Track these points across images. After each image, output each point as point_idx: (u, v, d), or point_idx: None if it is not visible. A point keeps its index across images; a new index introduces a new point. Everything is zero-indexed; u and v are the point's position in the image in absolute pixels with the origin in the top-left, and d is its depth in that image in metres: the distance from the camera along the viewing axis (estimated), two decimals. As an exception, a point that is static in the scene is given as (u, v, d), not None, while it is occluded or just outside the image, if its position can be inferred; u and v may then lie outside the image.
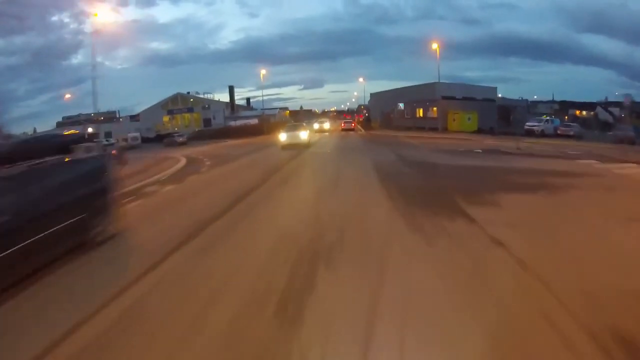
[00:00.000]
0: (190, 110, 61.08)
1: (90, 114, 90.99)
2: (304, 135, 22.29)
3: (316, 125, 45.29)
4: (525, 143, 20.98)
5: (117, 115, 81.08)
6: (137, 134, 51.22)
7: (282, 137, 21.96)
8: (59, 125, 75.05)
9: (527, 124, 33.23)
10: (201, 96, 63.34)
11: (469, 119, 36.13)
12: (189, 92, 63.24)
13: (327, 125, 46.40)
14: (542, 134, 30.09)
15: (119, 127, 62.52)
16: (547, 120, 34.03)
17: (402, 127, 41.85)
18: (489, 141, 23.71)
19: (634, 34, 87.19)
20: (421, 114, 41.59)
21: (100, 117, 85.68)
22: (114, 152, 24.60)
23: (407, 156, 15.06)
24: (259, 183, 10.21)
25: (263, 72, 50.19)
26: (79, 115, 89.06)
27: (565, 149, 18.50)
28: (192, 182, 11.76)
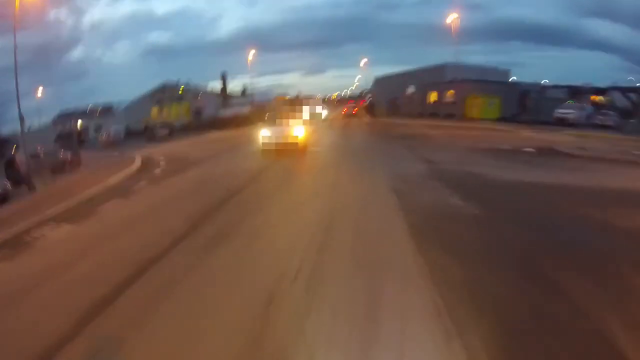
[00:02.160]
0: (179, 100, 56.43)
1: (87, 107, 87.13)
2: (298, 131, 14.45)
3: (307, 114, 37.94)
4: (570, 136, 16.44)
5: (113, 108, 77.57)
6: (119, 127, 46.86)
7: (264, 133, 14.38)
8: (55, 121, 72.14)
9: (559, 110, 28.16)
10: (192, 85, 58.66)
11: (490, 104, 31.20)
12: (178, 81, 58.50)
13: (323, 112, 39.46)
14: (573, 124, 25.09)
15: (114, 120, 58.40)
16: (580, 107, 28.92)
17: (411, 114, 37.06)
18: (526, 133, 18.98)
19: (638, 19, 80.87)
20: (434, 99, 36.71)
21: (97, 110, 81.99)
22: (61, 154, 20.67)
23: (439, 163, 10.47)
24: (175, 241, 5.55)
25: (251, 54, 44.95)
26: (75, 110, 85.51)
27: (627, 147, 13.53)
28: (88, 228, 7.24)
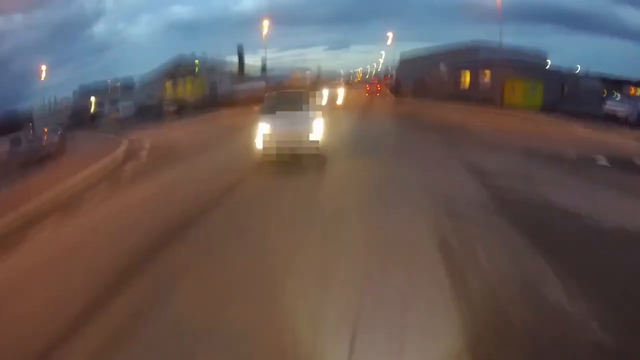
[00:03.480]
0: (193, 75, 53.99)
1: (107, 82, 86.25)
2: (313, 126, 9.29)
3: (326, 93, 32.23)
4: (634, 139, 13.19)
5: (134, 83, 76.46)
6: (129, 104, 44.98)
7: (262, 131, 9.24)
8: (75, 95, 71.67)
9: (609, 104, 24.13)
10: (208, 59, 55.99)
11: (532, 90, 27.47)
12: (193, 55, 55.88)
13: (340, 92, 34.96)
14: (625, 120, 21.23)
15: (133, 95, 56.77)
16: (632, 102, 24.60)
17: (441, 96, 33.61)
18: (580, 130, 15.67)
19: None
20: (468, 81, 33.08)
21: (117, 84, 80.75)
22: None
23: (495, 177, 7.57)
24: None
25: (266, 26, 41.50)
26: (95, 84, 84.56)
27: None
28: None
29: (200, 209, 6.52)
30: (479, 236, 4.78)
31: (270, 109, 10.08)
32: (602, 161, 9.48)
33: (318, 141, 9.19)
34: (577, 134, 14.60)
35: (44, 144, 17.31)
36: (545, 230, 4.94)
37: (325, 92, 32.04)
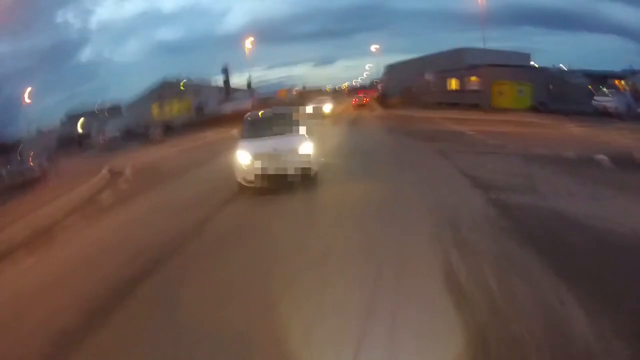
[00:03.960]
0: (180, 97, 53.50)
1: (94, 106, 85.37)
2: (302, 146, 8.24)
3: (309, 109, 30.38)
4: (628, 133, 12.81)
5: (121, 108, 75.86)
6: (115, 128, 44.25)
7: (242, 161, 8.10)
8: (63, 123, 70.96)
9: (597, 99, 23.93)
10: (193, 80, 55.60)
11: (520, 92, 27.21)
12: (178, 76, 55.49)
13: (327, 107, 32.35)
14: (615, 114, 20.91)
15: (120, 120, 56.01)
16: (620, 95, 24.39)
17: (429, 104, 33.33)
18: (574, 128, 15.23)
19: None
20: (455, 87, 32.84)
21: (105, 111, 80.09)
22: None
23: (497, 186, 6.81)
24: None
25: (249, 42, 40.90)
26: (82, 112, 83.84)
27: None
28: None
29: (155, 259, 5.18)
30: (484, 256, 4.11)
31: (251, 133, 8.87)
32: (606, 162, 8.90)
33: (310, 168, 8.03)
34: (573, 134, 14.13)
35: (24, 172, 16.68)
36: (562, 251, 4.17)
37: (310, 107, 31.22)
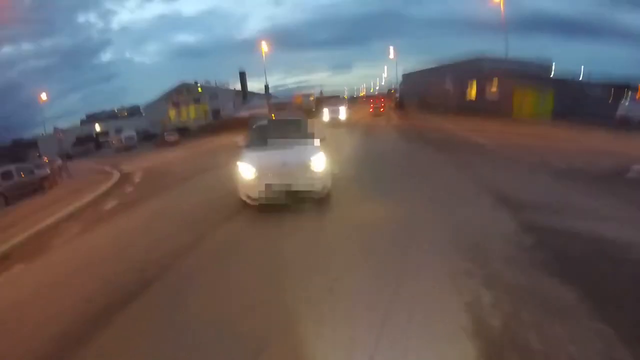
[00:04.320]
0: (196, 101, 53.84)
1: (113, 109, 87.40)
2: (315, 160, 7.06)
3: (324, 115, 30.70)
4: None
5: (140, 110, 77.01)
6: (132, 133, 44.55)
7: (246, 174, 7.02)
8: (83, 123, 72.37)
9: (623, 110, 22.94)
10: (211, 85, 55.94)
11: (541, 101, 26.41)
12: (196, 82, 55.88)
13: (342, 112, 30.88)
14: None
15: (138, 122, 56.76)
16: None
17: (447, 112, 32.70)
18: (602, 140, 14.55)
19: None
20: (474, 95, 32.18)
21: (124, 112, 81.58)
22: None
23: (530, 208, 6.12)
24: None
25: (264, 46, 40.64)
26: (102, 112, 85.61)
27: None
28: None
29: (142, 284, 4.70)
30: (533, 320, 3.28)
31: (257, 142, 7.94)
32: (640, 175, 8.32)
33: (321, 183, 7.00)
34: (600, 146, 13.46)
35: (35, 177, 16.66)
36: (619, 300, 3.52)
37: (325, 112, 30.83)
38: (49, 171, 18.22)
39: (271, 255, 5.14)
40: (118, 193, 12.05)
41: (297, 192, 6.81)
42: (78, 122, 73.04)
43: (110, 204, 10.29)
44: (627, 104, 23.40)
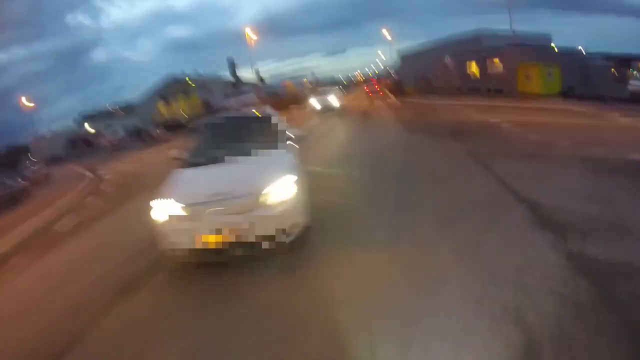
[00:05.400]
0: (186, 93, 51.94)
1: (107, 109, 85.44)
2: (278, 207, 4.41)
3: (315, 103, 27.42)
4: None
5: (133, 106, 75.23)
6: (121, 132, 43.15)
7: (168, 210, 4.46)
8: (77, 122, 70.92)
9: (633, 83, 21.33)
10: (200, 76, 53.96)
11: (549, 75, 24.64)
12: (185, 73, 53.95)
13: (333, 99, 27.67)
14: None
15: (131, 119, 55.17)
16: None
17: (448, 91, 31.01)
18: (623, 119, 12.86)
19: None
20: (475, 71, 30.38)
21: (119, 110, 79.56)
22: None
23: (582, 236, 4.14)
24: None
25: (248, 30, 38.33)
26: (96, 111, 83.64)
27: None
28: None
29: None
30: None
31: (197, 157, 5.50)
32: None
33: (289, 223, 4.50)
34: (624, 126, 11.85)
35: (7, 189, 15.41)
36: None
37: (314, 100, 27.92)
38: (23, 182, 16.93)
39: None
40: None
41: (246, 243, 4.31)
42: (72, 124, 71.61)
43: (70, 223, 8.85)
44: (638, 77, 21.76)
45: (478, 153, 8.74)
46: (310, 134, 15.63)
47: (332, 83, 60.35)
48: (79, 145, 51.55)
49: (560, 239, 4.17)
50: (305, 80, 59.02)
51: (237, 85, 52.91)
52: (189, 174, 5.15)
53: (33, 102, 41.08)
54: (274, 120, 6.38)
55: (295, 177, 4.74)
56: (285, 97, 42.40)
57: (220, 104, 45.43)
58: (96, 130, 57.43)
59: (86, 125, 58.13)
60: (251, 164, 5.08)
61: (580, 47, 32.60)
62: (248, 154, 5.28)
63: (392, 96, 34.61)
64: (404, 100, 30.98)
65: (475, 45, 32.38)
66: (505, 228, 4.70)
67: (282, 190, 4.51)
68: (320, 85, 40.57)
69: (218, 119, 7.10)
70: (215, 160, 5.24)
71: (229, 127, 6.49)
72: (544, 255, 3.91)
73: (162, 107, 53.09)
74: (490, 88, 27.24)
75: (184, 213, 4.40)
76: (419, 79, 40.61)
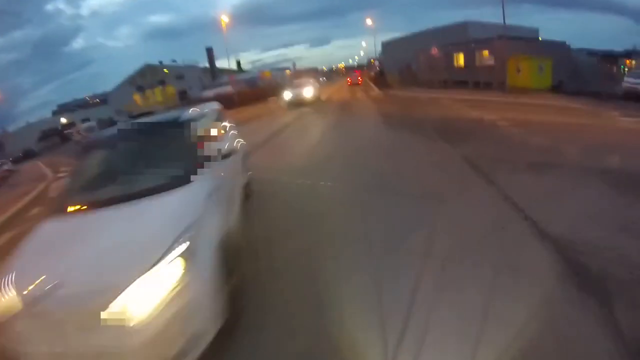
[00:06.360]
0: (161, 82, 49.64)
1: (85, 99, 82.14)
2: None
3: (288, 95, 25.18)
4: None
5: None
6: (92, 124, 40.88)
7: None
8: (55, 114, 68.36)
9: (629, 80, 20.28)
10: (177, 65, 51.58)
11: (540, 69, 23.65)
12: (161, 62, 51.48)
13: (309, 91, 25.52)
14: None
15: (105, 110, 52.72)
16: None
17: (432, 83, 29.87)
18: (624, 119, 11.85)
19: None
20: (462, 63, 29.26)
21: (96, 100, 76.42)
22: None
23: (626, 289, 2.98)
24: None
25: (224, 19, 36.47)
26: (73, 101, 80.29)
27: None
28: None
29: None
30: None
31: (72, 198, 3.55)
32: None
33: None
34: (622, 126, 10.78)
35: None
36: None
37: (288, 93, 25.49)
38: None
39: None
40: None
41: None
42: (50, 114, 68.71)
43: None
44: (632, 75, 20.75)
45: (477, 160, 7.43)
46: (282, 131, 14.28)
47: (315, 73, 58.65)
48: (53, 138, 49.08)
49: (602, 302, 2.93)
50: (288, 71, 57.21)
51: (215, 75, 50.70)
52: (51, 231, 3.09)
53: (2, 94, 38.55)
54: (196, 128, 4.20)
55: (202, 246, 2.73)
56: (263, 87, 40.67)
57: (196, 95, 43.47)
58: (70, 122, 54.88)
59: (62, 118, 55.37)
60: (130, 220, 2.93)
61: (566, 42, 31.92)
62: (136, 196, 3.20)
63: (375, 88, 33.31)
64: (386, 91, 29.66)
65: (462, 36, 31.32)
66: (525, 275, 3.39)
67: (155, 290, 2.39)
68: (300, 76, 38.96)
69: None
70: (94, 204, 3.25)
71: (123, 146, 4.17)
72: (587, 334, 2.60)
73: (137, 98, 50.70)
74: (479, 81, 26.15)
75: (19, 308, 2.43)
76: (402, 71, 39.41)
